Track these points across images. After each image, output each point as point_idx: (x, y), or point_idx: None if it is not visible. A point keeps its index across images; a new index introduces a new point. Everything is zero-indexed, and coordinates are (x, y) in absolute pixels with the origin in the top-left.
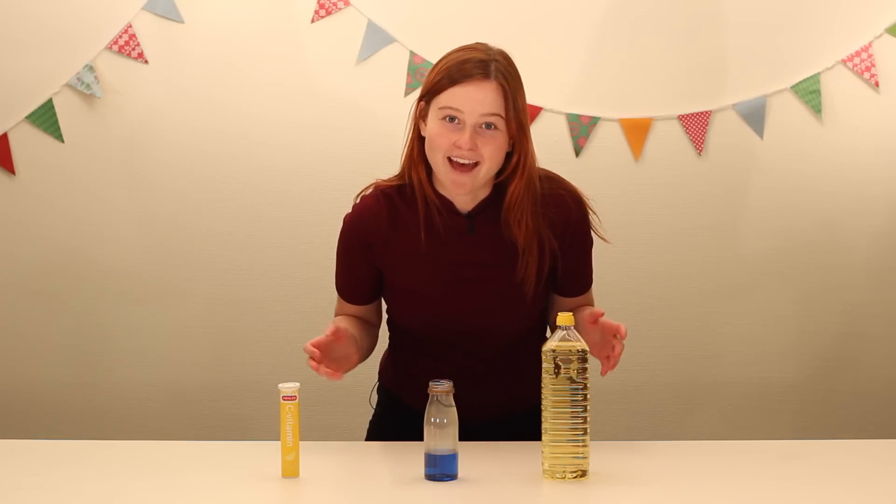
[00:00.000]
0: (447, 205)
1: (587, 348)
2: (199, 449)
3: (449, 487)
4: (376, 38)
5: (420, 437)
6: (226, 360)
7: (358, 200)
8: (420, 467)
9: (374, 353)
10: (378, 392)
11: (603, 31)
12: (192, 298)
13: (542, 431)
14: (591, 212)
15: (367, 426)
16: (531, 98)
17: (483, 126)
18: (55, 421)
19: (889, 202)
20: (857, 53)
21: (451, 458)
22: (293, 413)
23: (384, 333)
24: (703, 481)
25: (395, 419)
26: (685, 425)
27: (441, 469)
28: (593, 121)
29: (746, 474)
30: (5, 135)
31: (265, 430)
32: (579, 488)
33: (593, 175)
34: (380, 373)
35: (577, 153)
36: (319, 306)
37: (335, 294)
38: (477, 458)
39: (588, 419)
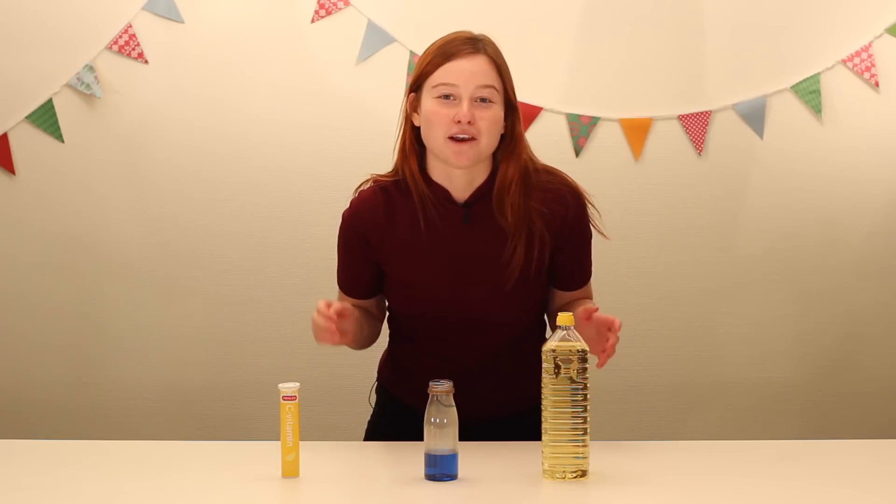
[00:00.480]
0: (443, 194)
1: (587, 348)
2: (199, 449)
3: (449, 487)
4: (376, 38)
5: (419, 437)
6: (226, 360)
7: (356, 195)
8: (420, 467)
9: (373, 353)
10: (376, 392)
11: (603, 32)
12: (192, 298)
13: (543, 431)
14: (589, 205)
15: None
16: (531, 98)
17: (479, 100)
18: (55, 421)
19: (889, 202)
20: (857, 53)
21: (451, 458)
22: (293, 413)
23: (384, 333)
24: (703, 481)
25: (393, 419)
26: (685, 425)
27: (441, 469)
28: (593, 121)
29: (746, 474)
30: (5, 135)
31: (265, 430)
32: (579, 488)
33: (593, 175)
34: (378, 372)
35: (577, 153)
36: None
37: (336, 294)
38: (477, 458)
39: (588, 419)
